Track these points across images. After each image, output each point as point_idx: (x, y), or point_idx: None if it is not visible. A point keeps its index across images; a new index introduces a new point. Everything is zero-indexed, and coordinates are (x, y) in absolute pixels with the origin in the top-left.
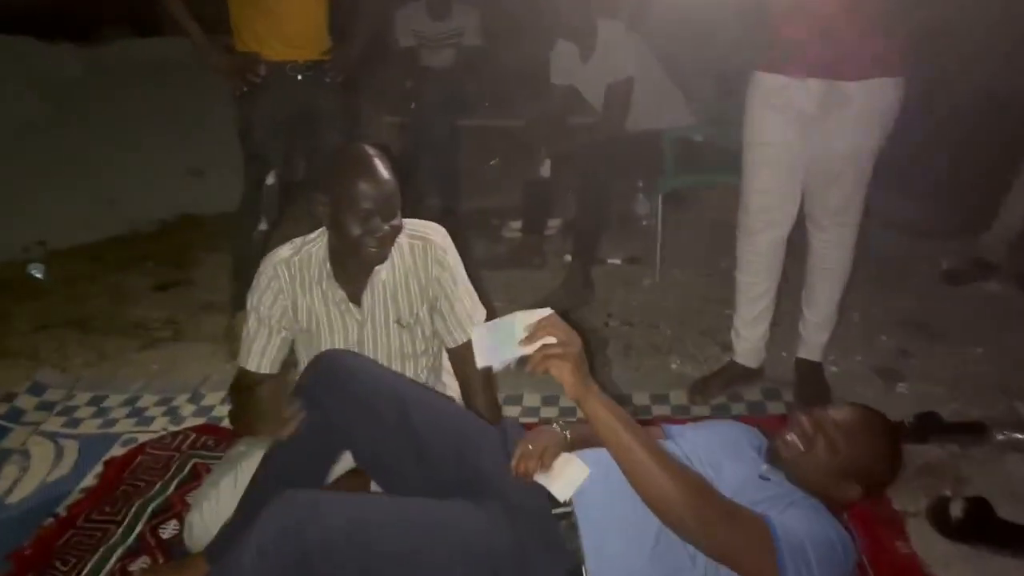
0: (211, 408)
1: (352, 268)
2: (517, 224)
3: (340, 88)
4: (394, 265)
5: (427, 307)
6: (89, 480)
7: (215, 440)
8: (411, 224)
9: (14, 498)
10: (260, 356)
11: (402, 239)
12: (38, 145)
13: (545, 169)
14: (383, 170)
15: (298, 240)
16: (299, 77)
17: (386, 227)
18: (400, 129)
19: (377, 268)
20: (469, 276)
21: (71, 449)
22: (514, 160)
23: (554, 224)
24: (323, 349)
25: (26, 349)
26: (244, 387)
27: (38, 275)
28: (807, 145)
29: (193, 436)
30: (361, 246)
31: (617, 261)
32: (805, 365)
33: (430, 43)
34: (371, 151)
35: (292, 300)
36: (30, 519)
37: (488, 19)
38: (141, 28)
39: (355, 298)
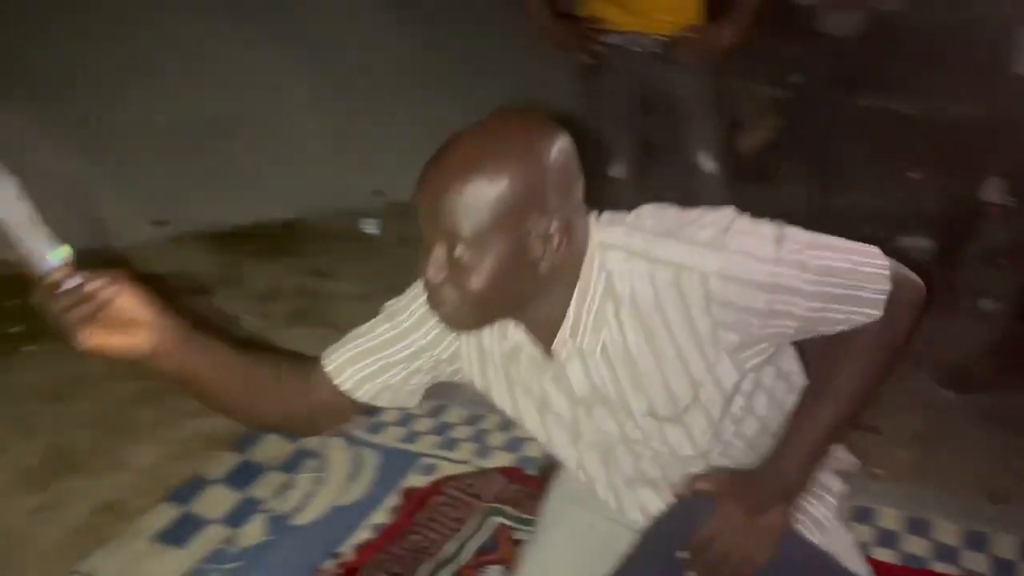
0: (522, 443)
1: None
2: (909, 240)
3: (705, 71)
4: (619, 319)
5: (712, 377)
6: (381, 514)
7: (523, 491)
8: (649, 238)
9: (303, 519)
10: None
11: (635, 264)
12: (402, 87)
13: (992, 191)
14: (457, 167)
15: None
16: (646, 53)
17: (431, 273)
18: (772, 104)
19: (570, 340)
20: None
21: (369, 463)
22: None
23: None
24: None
25: (344, 318)
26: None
27: (371, 231)
28: None
29: (499, 482)
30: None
31: None
32: None
33: (835, 3)
34: (472, 133)
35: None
36: (314, 550)
37: None
38: None
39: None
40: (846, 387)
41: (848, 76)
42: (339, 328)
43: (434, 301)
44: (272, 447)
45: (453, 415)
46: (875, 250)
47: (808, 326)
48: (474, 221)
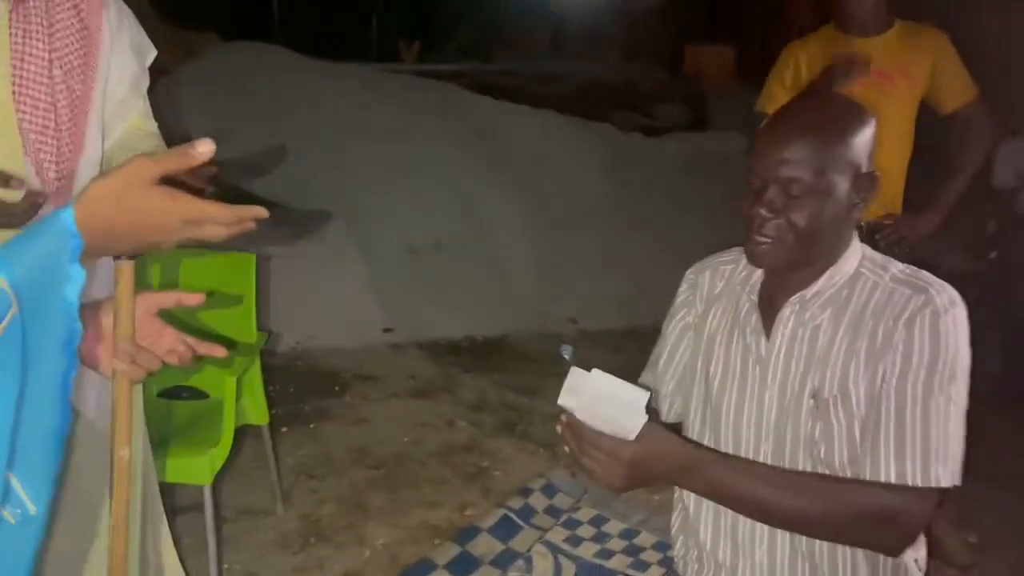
0: None
1: (771, 282)
2: None
3: (903, 254)
4: (846, 304)
5: (868, 383)
6: None
7: None
8: (912, 271)
9: None
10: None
11: (882, 278)
12: (594, 222)
13: None
14: (798, 122)
15: None
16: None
17: (764, 211)
18: (970, 278)
19: (803, 295)
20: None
21: (568, 572)
22: None
23: None
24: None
25: (545, 437)
26: None
27: (566, 356)
28: None
29: None
30: (745, 225)
31: None
32: None
33: None
34: (809, 100)
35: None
36: None
37: None
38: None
39: (768, 328)
40: (793, 499)
41: None
42: (542, 445)
43: (759, 234)
44: (485, 544)
45: (643, 540)
46: (956, 467)
47: (868, 412)
48: (809, 168)
